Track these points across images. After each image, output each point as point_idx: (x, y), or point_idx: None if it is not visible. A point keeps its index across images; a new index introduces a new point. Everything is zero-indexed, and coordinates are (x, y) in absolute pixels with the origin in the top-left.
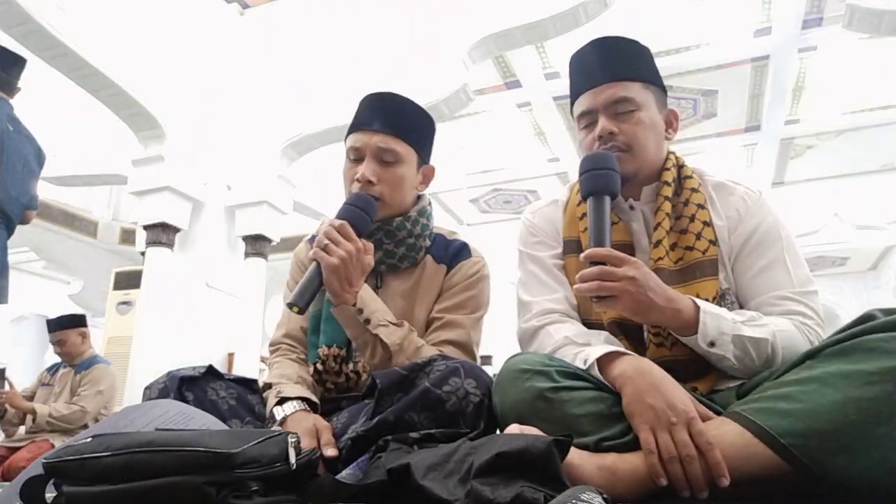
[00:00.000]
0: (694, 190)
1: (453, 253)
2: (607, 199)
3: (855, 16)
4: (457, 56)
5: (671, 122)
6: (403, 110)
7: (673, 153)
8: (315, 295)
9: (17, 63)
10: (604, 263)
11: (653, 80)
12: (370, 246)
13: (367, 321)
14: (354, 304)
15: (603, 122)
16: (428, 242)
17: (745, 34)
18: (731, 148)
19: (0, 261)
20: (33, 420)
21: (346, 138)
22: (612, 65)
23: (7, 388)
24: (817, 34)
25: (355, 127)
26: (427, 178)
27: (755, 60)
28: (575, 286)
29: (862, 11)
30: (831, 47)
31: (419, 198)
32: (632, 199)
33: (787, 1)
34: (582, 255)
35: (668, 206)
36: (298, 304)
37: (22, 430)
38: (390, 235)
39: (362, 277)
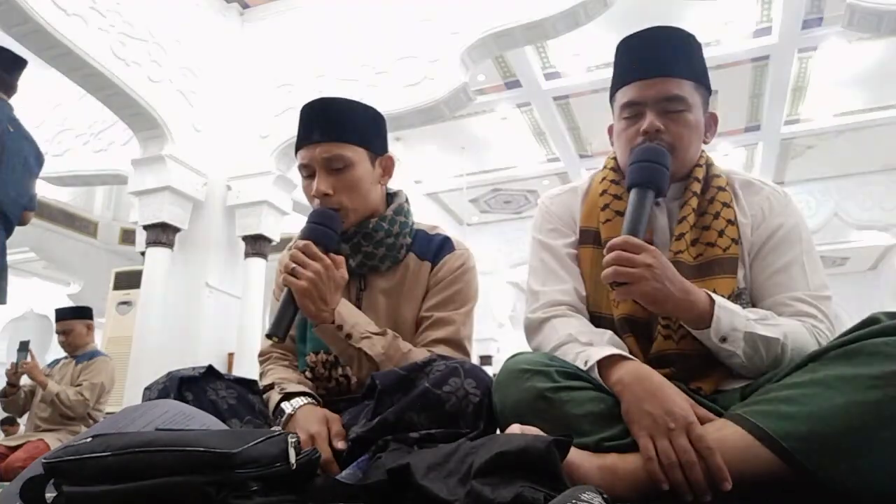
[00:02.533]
0: (721, 188)
1: (436, 248)
2: (651, 194)
3: (855, 16)
4: (457, 56)
5: (710, 125)
6: (338, 113)
7: (704, 152)
8: (292, 321)
9: (19, 64)
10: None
11: (703, 79)
12: (340, 259)
13: (349, 336)
14: (333, 322)
15: (651, 118)
16: (409, 240)
17: (745, 34)
18: (731, 148)
19: None
20: (41, 398)
21: (295, 156)
22: (670, 59)
23: (28, 359)
24: (817, 34)
25: (298, 143)
26: (387, 168)
27: (755, 60)
28: (602, 273)
29: (862, 11)
30: (831, 47)
31: (394, 195)
32: None
33: (787, 1)
34: (607, 246)
35: (694, 202)
36: (277, 334)
37: (22, 429)
38: (368, 238)
39: (337, 293)
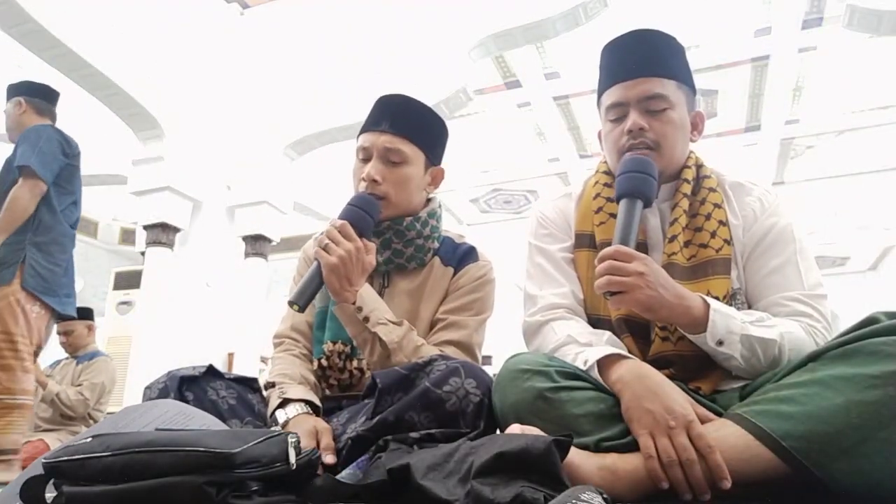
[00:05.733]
0: (711, 189)
1: (461, 256)
2: (640, 204)
3: (855, 16)
4: (457, 56)
5: (697, 123)
6: (412, 111)
7: (693, 152)
8: (315, 294)
9: (56, 95)
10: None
11: (686, 79)
12: (371, 245)
13: (366, 319)
14: (354, 303)
15: (634, 117)
16: (436, 244)
17: (745, 34)
18: (731, 148)
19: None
20: (41, 398)
21: (357, 138)
22: (650, 59)
23: None
24: (817, 34)
25: (365, 127)
26: (436, 179)
27: (755, 60)
28: (595, 283)
29: (862, 11)
30: (831, 47)
31: (429, 200)
32: None
33: (787, 1)
34: (598, 256)
35: (685, 204)
36: (298, 303)
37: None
38: (400, 235)
39: (363, 276)
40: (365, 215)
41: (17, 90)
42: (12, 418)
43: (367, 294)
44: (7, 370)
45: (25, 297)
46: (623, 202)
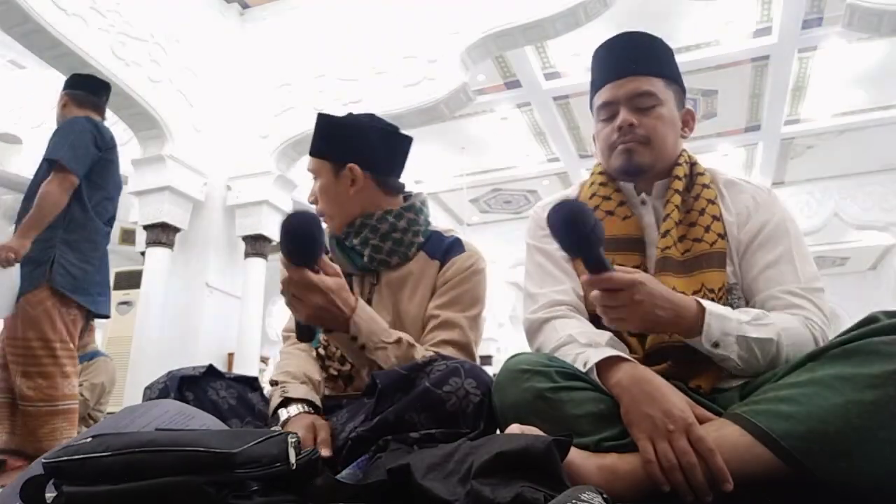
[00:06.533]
0: (705, 186)
1: (446, 248)
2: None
3: (855, 16)
4: (457, 56)
5: (688, 121)
6: (320, 130)
7: (685, 150)
8: (314, 328)
9: (106, 87)
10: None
11: (675, 78)
12: (330, 264)
13: (363, 347)
14: (348, 332)
15: (624, 114)
16: (421, 239)
17: (745, 34)
18: (731, 148)
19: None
20: None
21: None
22: (638, 59)
23: None
24: (817, 34)
25: None
26: (355, 179)
27: (755, 60)
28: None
29: (862, 11)
30: (831, 47)
31: (412, 195)
32: (644, 193)
33: (787, 1)
34: (583, 278)
35: (678, 199)
36: (303, 341)
37: None
38: (374, 230)
39: (346, 296)
40: (309, 246)
41: (64, 84)
42: (56, 424)
43: (360, 320)
44: (47, 377)
45: (60, 300)
46: (574, 252)
